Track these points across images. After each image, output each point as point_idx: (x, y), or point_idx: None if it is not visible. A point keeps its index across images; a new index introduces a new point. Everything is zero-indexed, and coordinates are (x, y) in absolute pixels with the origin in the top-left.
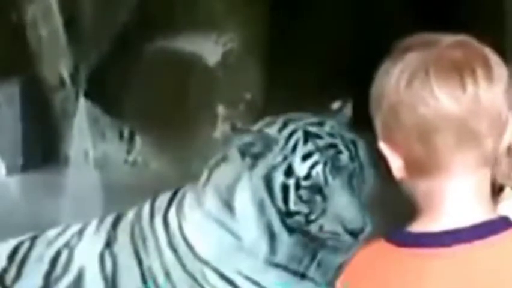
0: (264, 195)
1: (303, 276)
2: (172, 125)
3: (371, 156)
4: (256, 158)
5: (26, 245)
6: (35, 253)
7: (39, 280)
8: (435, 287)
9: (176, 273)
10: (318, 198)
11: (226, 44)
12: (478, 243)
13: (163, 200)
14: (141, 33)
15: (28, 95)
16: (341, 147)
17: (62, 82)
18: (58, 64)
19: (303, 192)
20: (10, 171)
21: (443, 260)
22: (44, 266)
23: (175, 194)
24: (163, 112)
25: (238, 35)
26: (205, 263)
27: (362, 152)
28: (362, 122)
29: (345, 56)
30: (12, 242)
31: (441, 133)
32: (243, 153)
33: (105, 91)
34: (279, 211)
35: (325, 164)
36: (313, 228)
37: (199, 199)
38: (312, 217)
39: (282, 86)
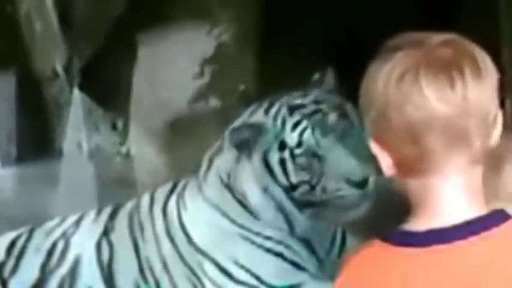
0: (266, 177)
1: (298, 266)
2: (166, 117)
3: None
4: (250, 148)
5: (24, 237)
6: (32, 245)
7: (36, 271)
8: (436, 284)
9: (173, 261)
10: (315, 161)
11: (219, 35)
12: (472, 239)
13: (163, 190)
14: (135, 25)
15: (22, 87)
16: (328, 110)
17: (55, 74)
18: (52, 56)
19: (299, 160)
20: (4, 163)
21: (442, 257)
22: (41, 258)
23: (175, 185)
24: (156, 104)
25: (232, 27)
26: (201, 250)
27: (352, 114)
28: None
29: (339, 47)
30: (10, 235)
31: (430, 134)
32: (238, 148)
33: (99, 83)
34: (284, 189)
35: (313, 128)
36: (318, 192)
37: (200, 187)
38: (314, 182)
39: (275, 77)
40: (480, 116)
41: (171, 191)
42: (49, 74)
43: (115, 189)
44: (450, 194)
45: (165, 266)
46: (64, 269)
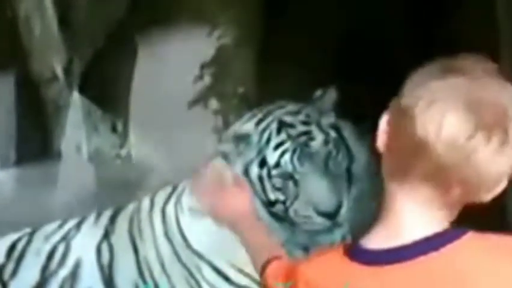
0: None
1: None
2: (165, 119)
3: (360, 137)
4: (234, 157)
5: (24, 240)
6: (32, 248)
7: (36, 274)
8: None
9: (172, 264)
10: (290, 184)
11: (219, 38)
12: (433, 255)
13: (163, 193)
14: (134, 27)
15: (21, 89)
16: (315, 133)
17: (55, 76)
18: (51, 58)
19: (275, 180)
20: (3, 165)
21: (404, 274)
22: (41, 260)
23: (175, 188)
24: (156, 106)
25: (232, 29)
26: (198, 254)
27: (348, 133)
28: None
29: (337, 49)
30: (10, 238)
31: (421, 161)
32: (224, 156)
33: (98, 85)
34: (262, 202)
35: (294, 151)
36: (291, 213)
37: None
38: (288, 203)
39: (275, 80)
40: (482, 178)
41: (170, 195)
42: (48, 76)
43: (115, 191)
44: (413, 208)
45: (164, 268)
46: (64, 272)
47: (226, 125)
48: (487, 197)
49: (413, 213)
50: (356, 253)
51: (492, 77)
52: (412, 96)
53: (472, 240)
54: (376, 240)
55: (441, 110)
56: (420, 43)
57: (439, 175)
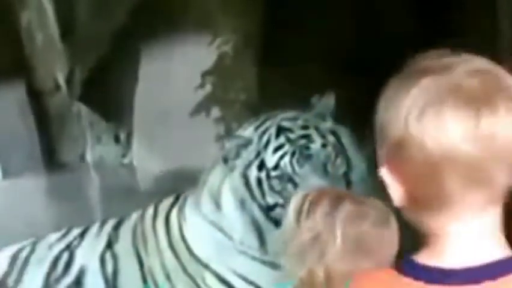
0: (244, 193)
1: None
2: (168, 128)
3: (358, 143)
4: (234, 159)
5: (28, 249)
6: (36, 256)
7: (39, 282)
8: None
9: (175, 273)
10: (290, 186)
11: (221, 46)
12: (487, 284)
13: (166, 203)
14: (137, 37)
15: (24, 99)
16: (314, 136)
17: (57, 86)
18: (54, 68)
19: (273, 182)
20: (6, 174)
21: None
22: (45, 269)
23: (177, 197)
24: (158, 115)
25: (233, 37)
26: (202, 263)
27: (346, 140)
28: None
29: (338, 56)
30: (13, 247)
31: (450, 173)
32: (224, 160)
33: (101, 95)
34: (260, 206)
35: (293, 154)
36: None
37: (197, 202)
38: (287, 206)
39: (276, 88)
40: (507, 155)
41: (173, 204)
42: (51, 86)
43: (118, 200)
44: (467, 234)
45: (168, 276)
46: (68, 280)
47: (229, 132)
48: None
49: (467, 239)
50: (407, 267)
51: (461, 58)
52: (397, 123)
53: None
54: (429, 258)
55: (435, 114)
56: (421, 43)
57: (474, 177)
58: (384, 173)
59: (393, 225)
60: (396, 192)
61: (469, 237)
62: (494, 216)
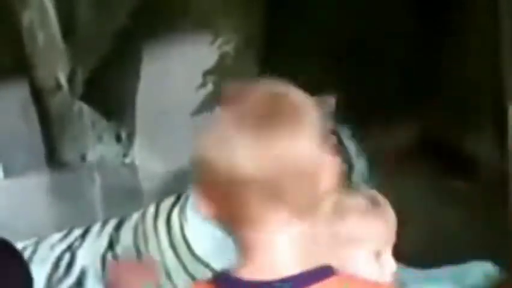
0: None
1: None
2: (169, 127)
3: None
4: None
5: (30, 249)
6: (38, 257)
7: (41, 283)
8: None
9: (177, 272)
10: None
11: (222, 45)
12: None
13: (167, 203)
14: (138, 36)
15: (25, 98)
16: None
17: (58, 85)
18: (55, 67)
19: None
20: (7, 174)
21: None
22: (47, 269)
23: (179, 197)
24: (159, 114)
25: (235, 37)
26: (203, 263)
27: (346, 140)
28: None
29: (339, 56)
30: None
31: (247, 192)
32: None
33: (102, 94)
34: None
35: None
36: None
37: None
38: None
39: None
40: (297, 172)
41: (174, 203)
42: (52, 85)
43: (120, 200)
44: (277, 249)
45: (169, 276)
46: (69, 281)
47: None
48: (329, 180)
49: (277, 252)
50: (225, 281)
51: (257, 85)
52: (199, 149)
53: (338, 282)
54: (246, 272)
55: (225, 141)
56: (421, 43)
57: (266, 194)
58: (196, 193)
59: (381, 211)
60: (207, 210)
61: (278, 252)
62: (300, 233)
